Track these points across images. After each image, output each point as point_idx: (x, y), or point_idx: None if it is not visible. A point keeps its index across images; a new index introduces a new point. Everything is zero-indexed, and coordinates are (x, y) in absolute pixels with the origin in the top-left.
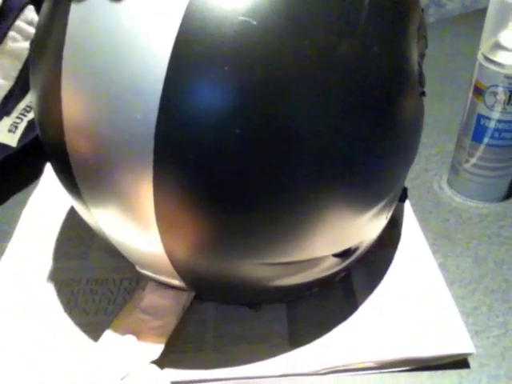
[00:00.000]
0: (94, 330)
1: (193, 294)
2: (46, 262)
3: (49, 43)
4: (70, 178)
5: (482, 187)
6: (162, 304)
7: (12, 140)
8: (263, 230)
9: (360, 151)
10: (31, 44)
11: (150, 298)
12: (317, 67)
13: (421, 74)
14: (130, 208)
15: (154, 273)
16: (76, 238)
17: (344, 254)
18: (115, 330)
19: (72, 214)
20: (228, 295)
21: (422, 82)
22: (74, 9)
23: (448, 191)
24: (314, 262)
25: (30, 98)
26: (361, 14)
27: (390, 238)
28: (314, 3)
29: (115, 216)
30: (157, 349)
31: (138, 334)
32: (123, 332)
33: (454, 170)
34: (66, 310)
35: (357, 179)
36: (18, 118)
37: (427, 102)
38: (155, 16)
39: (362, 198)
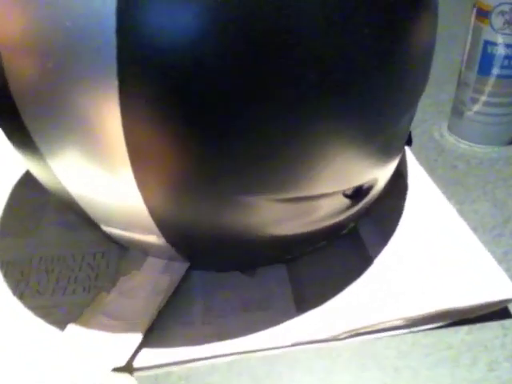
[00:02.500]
0: (50, 314)
1: (172, 290)
2: None
3: None
4: (15, 119)
5: (491, 129)
6: (133, 306)
7: None
8: (256, 156)
9: (369, 66)
10: None
11: (118, 301)
12: None
13: None
14: (94, 142)
15: (125, 228)
16: (23, 214)
17: (356, 195)
18: (72, 336)
19: (17, 191)
20: (217, 256)
21: None
22: None
23: (450, 138)
24: (320, 200)
25: None
26: None
27: (396, 188)
28: None
29: (76, 158)
30: (123, 355)
31: (101, 339)
32: (81, 337)
33: (458, 112)
34: (15, 294)
35: (364, 99)
36: None
37: None
38: None
39: (370, 124)
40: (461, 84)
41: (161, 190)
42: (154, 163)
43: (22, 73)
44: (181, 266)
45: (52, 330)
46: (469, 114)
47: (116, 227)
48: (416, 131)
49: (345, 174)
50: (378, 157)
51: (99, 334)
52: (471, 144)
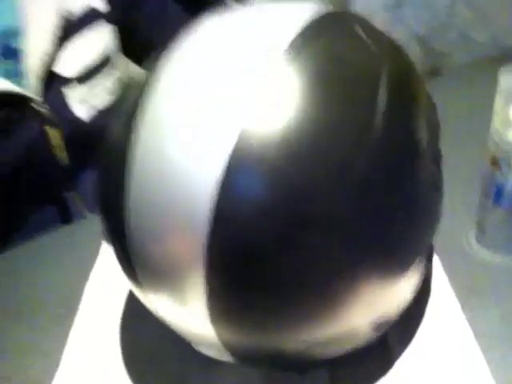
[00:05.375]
0: None
1: None
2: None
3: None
4: (128, 263)
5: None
6: None
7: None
8: (307, 313)
9: (381, 227)
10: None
11: None
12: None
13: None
14: (182, 295)
15: (205, 350)
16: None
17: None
18: None
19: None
20: (269, 364)
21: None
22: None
23: (475, 246)
24: (351, 332)
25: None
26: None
27: (422, 293)
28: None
29: (168, 303)
30: None
31: None
32: None
33: (480, 227)
34: None
35: (382, 251)
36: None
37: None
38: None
39: (392, 267)
40: (480, 206)
41: (231, 334)
42: (227, 318)
43: (139, 243)
44: None
45: None
46: (489, 228)
47: (200, 348)
48: (444, 236)
49: (371, 310)
50: (402, 292)
51: None
52: (493, 254)
